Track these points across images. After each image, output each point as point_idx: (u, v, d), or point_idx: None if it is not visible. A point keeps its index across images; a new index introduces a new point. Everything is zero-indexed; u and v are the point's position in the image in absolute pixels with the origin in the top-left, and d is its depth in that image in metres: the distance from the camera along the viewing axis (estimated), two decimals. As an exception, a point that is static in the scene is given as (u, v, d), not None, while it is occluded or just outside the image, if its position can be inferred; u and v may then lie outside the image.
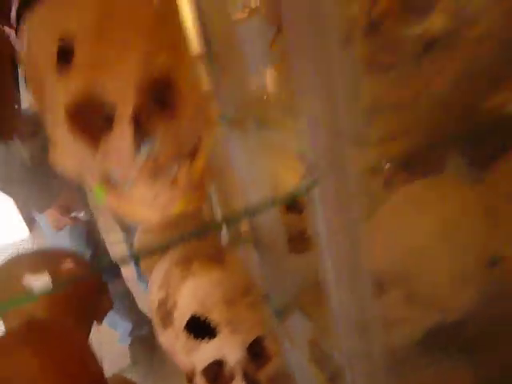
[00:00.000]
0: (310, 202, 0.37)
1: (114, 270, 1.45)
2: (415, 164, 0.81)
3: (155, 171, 0.37)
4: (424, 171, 0.78)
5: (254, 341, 0.55)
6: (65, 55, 0.36)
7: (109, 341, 1.52)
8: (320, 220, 0.37)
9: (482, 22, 0.49)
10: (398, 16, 0.50)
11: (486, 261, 0.62)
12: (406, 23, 0.49)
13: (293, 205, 0.79)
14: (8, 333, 0.52)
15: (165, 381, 1.04)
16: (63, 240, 1.32)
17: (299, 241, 0.83)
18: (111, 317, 1.49)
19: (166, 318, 0.56)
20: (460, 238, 0.61)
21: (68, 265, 0.65)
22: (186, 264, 0.55)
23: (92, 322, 0.72)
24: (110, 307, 0.77)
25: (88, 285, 0.66)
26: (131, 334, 1.56)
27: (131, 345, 1.57)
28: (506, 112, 0.68)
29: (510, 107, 0.68)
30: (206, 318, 0.53)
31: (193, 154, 0.40)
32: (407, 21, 0.49)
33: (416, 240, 0.60)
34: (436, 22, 0.48)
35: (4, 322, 0.62)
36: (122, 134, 0.37)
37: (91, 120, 0.37)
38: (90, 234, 1.41)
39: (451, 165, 0.89)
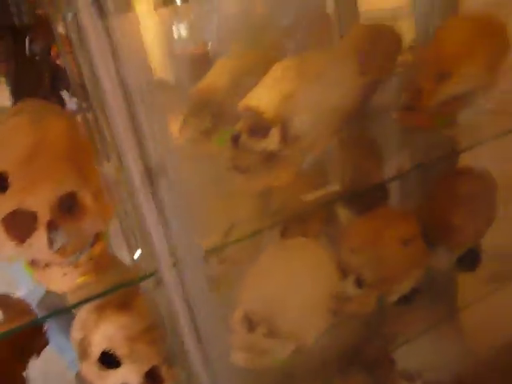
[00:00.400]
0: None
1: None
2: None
3: (64, 258, 0.56)
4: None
5: (151, 369, 0.73)
6: (1, 183, 0.55)
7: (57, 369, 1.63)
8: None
9: (304, 140, 0.72)
10: (248, 135, 0.71)
11: (332, 300, 0.83)
12: (253, 141, 0.71)
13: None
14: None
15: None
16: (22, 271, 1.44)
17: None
18: (61, 343, 1.60)
19: (84, 353, 0.74)
20: (312, 284, 0.82)
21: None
22: (99, 311, 0.74)
23: (29, 357, 0.87)
24: (46, 344, 0.93)
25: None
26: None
27: (77, 375, 1.68)
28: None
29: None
30: (114, 353, 0.72)
31: (93, 243, 0.59)
32: (254, 139, 0.71)
33: (277, 286, 0.80)
34: (272, 142, 0.70)
35: None
36: (40, 234, 0.55)
37: (20, 224, 0.56)
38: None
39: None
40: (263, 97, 0.71)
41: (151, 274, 0.58)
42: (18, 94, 1.35)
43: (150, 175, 0.52)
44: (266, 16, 1.34)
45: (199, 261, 0.59)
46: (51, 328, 1.03)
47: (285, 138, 0.69)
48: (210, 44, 1.41)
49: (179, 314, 0.56)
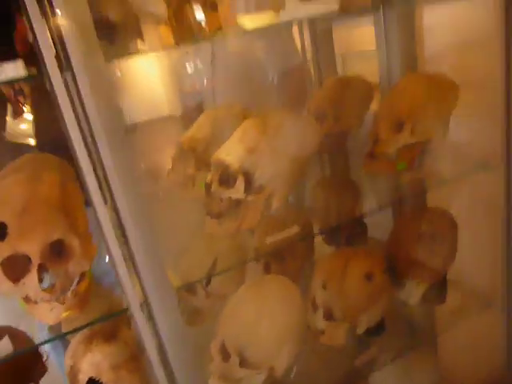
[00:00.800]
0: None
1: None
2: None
3: (52, 296, 0.66)
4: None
5: (133, 395, 0.81)
6: (1, 232, 0.65)
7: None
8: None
9: (267, 188, 0.82)
10: (218, 184, 0.81)
11: (302, 330, 0.91)
12: (222, 189, 0.81)
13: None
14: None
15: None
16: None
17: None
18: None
19: (74, 378, 0.83)
20: (281, 318, 0.90)
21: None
22: (87, 342, 0.83)
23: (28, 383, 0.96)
24: (45, 371, 1.02)
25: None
26: None
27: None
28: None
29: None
30: (99, 379, 0.80)
31: (79, 282, 0.69)
32: (223, 188, 0.81)
33: (249, 319, 0.89)
34: (238, 190, 0.80)
35: None
36: (32, 275, 0.65)
37: (15, 267, 0.66)
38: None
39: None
40: (231, 151, 0.81)
41: (126, 309, 0.67)
42: (39, 126, 1.47)
43: (121, 223, 0.62)
44: (255, 65, 1.45)
45: (170, 300, 0.69)
46: (58, 352, 1.13)
47: (249, 187, 0.79)
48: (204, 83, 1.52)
49: (148, 349, 0.65)
